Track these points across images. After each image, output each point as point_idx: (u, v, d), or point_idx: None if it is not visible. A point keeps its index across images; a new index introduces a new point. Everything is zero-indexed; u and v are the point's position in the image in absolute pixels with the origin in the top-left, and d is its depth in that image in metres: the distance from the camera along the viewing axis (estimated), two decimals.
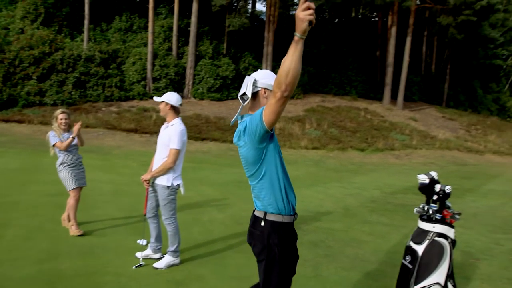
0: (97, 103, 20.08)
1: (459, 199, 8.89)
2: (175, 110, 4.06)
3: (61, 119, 4.98)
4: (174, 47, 23.67)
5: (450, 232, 2.92)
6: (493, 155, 20.02)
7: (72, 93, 19.89)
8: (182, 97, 23.18)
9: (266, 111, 1.97)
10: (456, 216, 2.93)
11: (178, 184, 4.12)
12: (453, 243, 2.95)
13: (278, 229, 2.14)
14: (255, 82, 2.23)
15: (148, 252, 4.34)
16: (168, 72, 22.46)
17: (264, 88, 2.23)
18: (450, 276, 2.98)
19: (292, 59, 1.83)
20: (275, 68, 24.65)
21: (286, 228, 2.16)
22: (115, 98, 20.91)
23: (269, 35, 22.60)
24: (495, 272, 4.52)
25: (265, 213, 2.16)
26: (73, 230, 4.84)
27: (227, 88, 23.95)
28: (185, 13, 24.16)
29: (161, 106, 4.07)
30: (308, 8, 1.82)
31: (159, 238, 4.35)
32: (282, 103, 1.90)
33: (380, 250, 4.87)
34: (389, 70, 26.18)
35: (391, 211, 7.12)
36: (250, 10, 29.88)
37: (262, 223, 2.16)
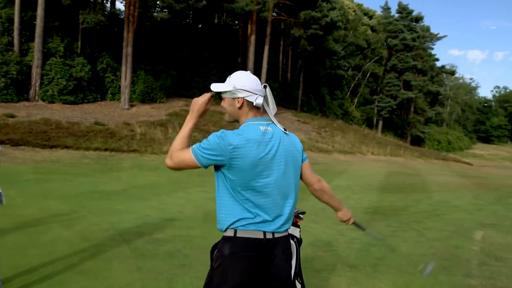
0: None
1: (312, 196, 9.66)
2: None
3: None
4: (16, 42, 20.71)
5: (296, 231, 3.01)
6: (339, 154, 22.57)
7: None
8: (28, 99, 20.44)
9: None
10: (301, 216, 3.05)
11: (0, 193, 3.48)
12: (299, 242, 3.06)
13: None
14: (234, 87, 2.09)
15: None
16: (8, 70, 19.53)
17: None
18: (297, 274, 3.08)
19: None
20: (136, 70, 23.57)
21: None
22: None
23: (128, 35, 21.48)
24: (338, 261, 4.94)
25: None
26: None
27: (82, 90, 21.98)
28: (29, 4, 21.34)
29: None
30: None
31: None
32: None
33: None
34: None
35: None
36: (109, 8, 28.05)
37: (292, 241, 2.29)
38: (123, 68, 21.94)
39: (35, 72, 20.49)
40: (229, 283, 1.89)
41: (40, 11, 20.39)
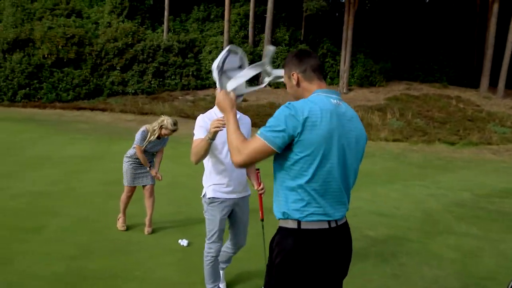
0: (174, 92, 20.54)
1: None
2: None
3: (168, 130, 4.26)
4: (250, 34, 23.32)
5: None
6: None
7: (152, 82, 20.57)
8: (257, 85, 22.81)
9: None
10: None
11: None
12: None
13: None
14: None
15: None
16: None
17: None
18: None
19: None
20: (355, 54, 23.13)
21: None
22: (192, 87, 21.22)
23: (349, 18, 21.14)
24: None
25: None
26: (118, 224, 4.62)
27: None
28: (261, 0, 23.65)
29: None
30: None
31: None
32: None
33: (468, 274, 3.84)
34: (489, 53, 23.10)
35: (484, 220, 5.87)
36: None
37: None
38: (343, 52, 21.83)
39: None
40: (293, 279, 1.73)
41: (270, 5, 22.24)
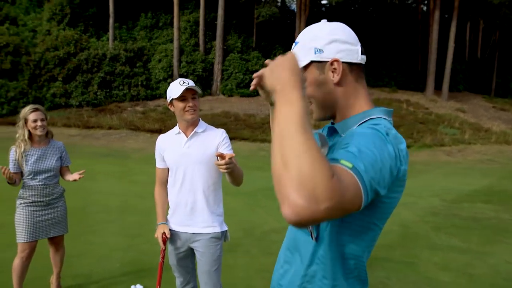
0: (123, 103, 19.39)
1: None
2: None
3: (35, 121, 2.87)
4: (201, 42, 22.68)
5: None
6: None
7: (98, 93, 19.30)
8: (211, 94, 22.16)
9: None
10: None
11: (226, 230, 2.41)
12: None
13: None
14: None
15: None
16: (195, 68, 21.49)
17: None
18: None
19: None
20: None
21: None
22: (141, 97, 20.17)
23: (300, 25, 21.15)
24: None
25: None
26: None
27: None
28: (211, 7, 23.10)
29: (195, 103, 2.29)
30: None
31: None
32: None
33: None
34: (433, 58, 24.07)
35: (462, 229, 5.62)
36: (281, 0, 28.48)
37: None
38: None
39: (217, 68, 22.03)
40: None
41: (220, 12, 21.76)
